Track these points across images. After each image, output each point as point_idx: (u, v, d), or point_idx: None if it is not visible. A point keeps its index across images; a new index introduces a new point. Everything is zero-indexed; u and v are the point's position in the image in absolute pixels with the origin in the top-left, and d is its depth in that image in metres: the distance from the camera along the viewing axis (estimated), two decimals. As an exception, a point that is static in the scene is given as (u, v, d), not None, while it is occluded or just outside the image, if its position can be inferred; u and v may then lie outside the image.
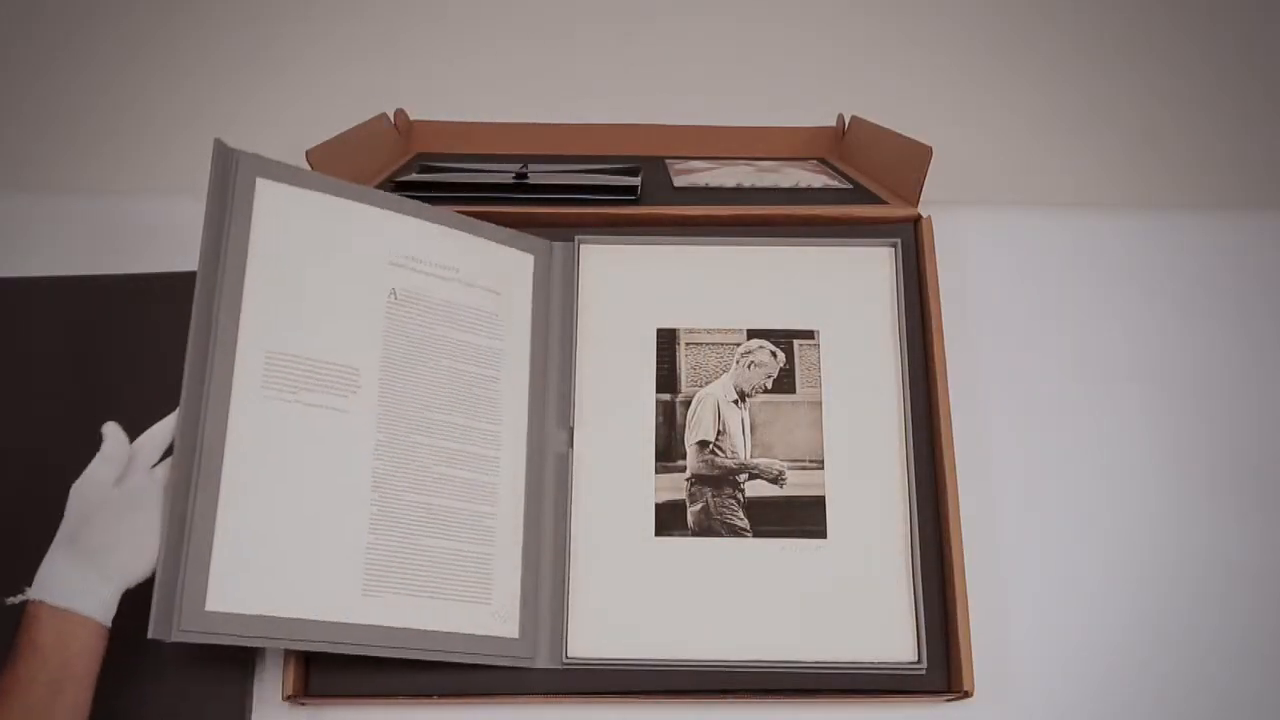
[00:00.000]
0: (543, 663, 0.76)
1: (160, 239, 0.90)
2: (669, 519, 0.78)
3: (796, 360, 0.82)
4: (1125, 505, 0.84)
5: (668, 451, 0.80)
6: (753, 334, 0.83)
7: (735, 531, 0.78)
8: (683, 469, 0.80)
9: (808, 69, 1.64)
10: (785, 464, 0.80)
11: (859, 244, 0.87)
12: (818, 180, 1.00)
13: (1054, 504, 0.84)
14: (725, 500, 0.79)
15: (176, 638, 0.64)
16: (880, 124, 1.01)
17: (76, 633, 0.58)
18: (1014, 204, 0.96)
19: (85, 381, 0.84)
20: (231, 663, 0.76)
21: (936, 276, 0.85)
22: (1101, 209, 0.96)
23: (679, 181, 1.00)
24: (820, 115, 1.20)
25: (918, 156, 0.85)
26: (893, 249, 0.87)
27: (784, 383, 0.82)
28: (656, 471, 0.80)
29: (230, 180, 0.73)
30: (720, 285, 0.84)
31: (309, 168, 0.84)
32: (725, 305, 0.84)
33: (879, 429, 0.81)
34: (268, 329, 0.72)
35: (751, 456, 0.80)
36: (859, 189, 0.96)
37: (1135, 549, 0.83)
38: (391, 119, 1.13)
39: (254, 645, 0.74)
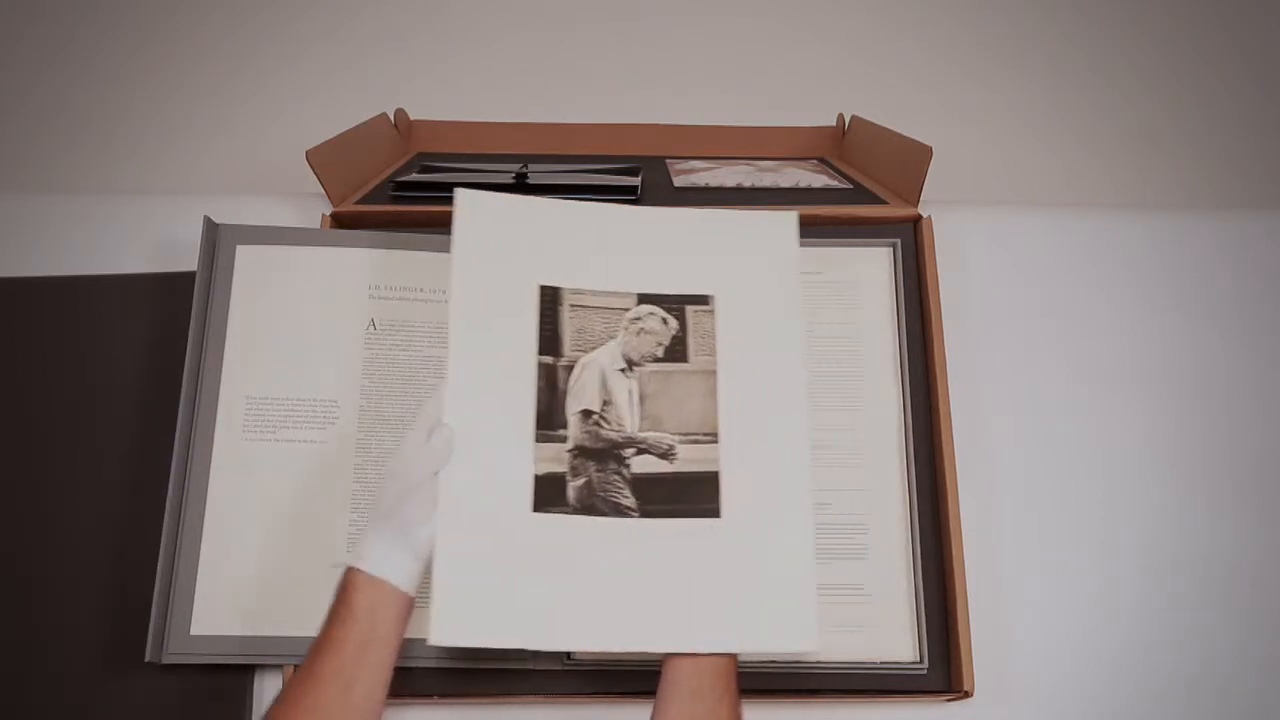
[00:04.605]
0: (544, 663, 0.76)
1: (159, 239, 0.90)
2: (549, 493, 0.70)
3: (689, 327, 0.75)
4: (1125, 505, 0.84)
5: (548, 419, 0.71)
6: (643, 299, 0.75)
7: (620, 510, 0.70)
8: (564, 439, 0.71)
9: (808, 69, 1.64)
10: (676, 438, 0.72)
11: (859, 244, 0.87)
12: (818, 180, 1.00)
13: (1054, 504, 0.84)
14: (610, 476, 0.71)
15: (166, 660, 0.74)
16: (880, 124, 1.01)
17: (386, 601, 0.63)
18: (1014, 204, 0.96)
19: (83, 381, 0.84)
20: (233, 665, 0.76)
21: (936, 276, 0.85)
22: (1101, 209, 0.96)
23: (679, 181, 1.00)
24: (820, 115, 1.20)
25: (918, 156, 0.85)
26: (892, 249, 0.87)
27: (676, 351, 0.74)
28: (537, 440, 0.71)
29: (214, 250, 0.83)
30: (608, 248, 0.76)
31: (309, 168, 0.84)
32: (613, 268, 0.76)
33: (780, 399, 0.73)
34: (247, 378, 0.80)
35: (640, 429, 0.73)
36: (859, 189, 0.96)
37: (1135, 549, 0.83)
38: (391, 119, 1.13)
39: (238, 664, 0.76)
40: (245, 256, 0.83)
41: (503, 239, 0.74)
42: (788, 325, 0.75)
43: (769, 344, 0.74)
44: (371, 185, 0.95)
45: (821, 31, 1.68)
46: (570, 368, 0.73)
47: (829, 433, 0.82)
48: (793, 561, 0.69)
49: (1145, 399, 0.87)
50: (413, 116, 1.19)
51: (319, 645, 0.61)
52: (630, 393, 0.73)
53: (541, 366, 0.72)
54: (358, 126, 0.97)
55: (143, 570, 0.76)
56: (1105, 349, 0.89)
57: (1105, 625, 0.81)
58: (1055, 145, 1.59)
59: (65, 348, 0.86)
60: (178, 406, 0.78)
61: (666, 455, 0.72)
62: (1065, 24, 1.68)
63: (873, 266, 0.87)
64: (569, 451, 0.71)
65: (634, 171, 0.95)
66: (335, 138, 0.89)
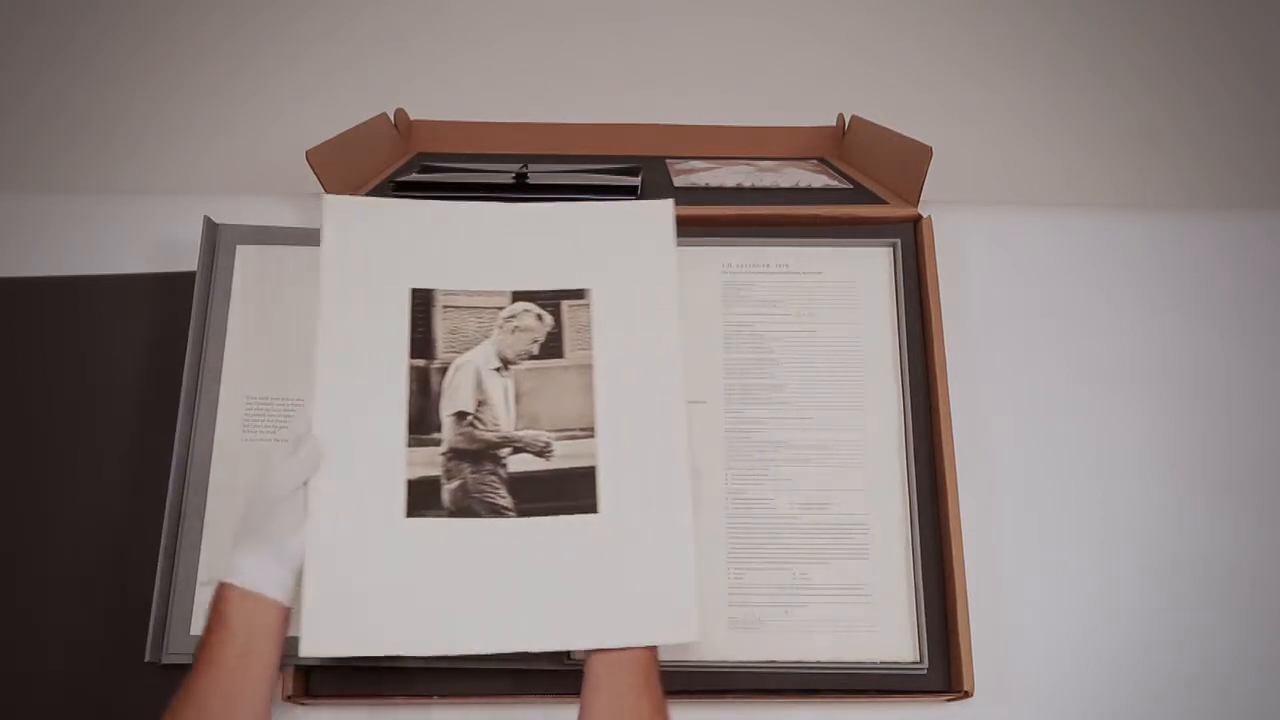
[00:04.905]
0: (543, 663, 0.76)
1: (159, 239, 0.90)
2: (422, 497, 0.69)
3: (565, 322, 0.74)
4: (1125, 505, 0.84)
5: (421, 422, 0.71)
6: (518, 296, 0.75)
7: (496, 511, 0.69)
8: (438, 442, 0.71)
9: (808, 69, 1.64)
10: (553, 435, 0.72)
11: (859, 244, 0.87)
12: (818, 180, 1.00)
13: (1054, 504, 0.84)
14: (485, 477, 0.71)
15: (166, 660, 0.74)
16: (880, 124, 1.01)
17: (261, 612, 0.63)
18: (1014, 204, 0.96)
19: (83, 381, 0.84)
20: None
21: (936, 276, 0.85)
22: (1101, 209, 0.96)
23: (679, 181, 1.00)
24: (820, 115, 1.20)
25: (918, 156, 0.85)
26: (892, 249, 0.87)
27: (552, 347, 0.74)
28: (409, 445, 0.70)
29: (214, 250, 0.83)
30: (482, 247, 0.76)
31: (309, 168, 0.84)
32: (487, 267, 0.75)
33: (657, 390, 0.72)
34: (247, 378, 0.80)
35: (516, 428, 0.72)
36: (859, 189, 0.96)
37: (1135, 548, 0.83)
38: (391, 119, 1.13)
39: None
40: (245, 256, 0.83)
41: (372, 244, 0.74)
42: (664, 315, 0.74)
43: (645, 334, 0.74)
44: (371, 185, 0.95)
45: (821, 31, 1.68)
46: (444, 370, 0.72)
47: (829, 432, 0.82)
48: (671, 553, 0.68)
49: (1145, 399, 0.87)
50: (413, 116, 1.19)
51: (198, 663, 0.61)
52: (506, 391, 0.73)
53: (413, 370, 0.72)
54: (358, 126, 0.97)
55: (143, 570, 0.76)
56: (1105, 349, 0.89)
57: (1105, 625, 0.81)
58: (1055, 145, 1.59)
59: (65, 348, 0.85)
60: (178, 406, 0.78)
61: (543, 453, 0.71)
62: (1065, 24, 1.68)
63: (873, 266, 0.87)
64: (443, 454, 0.70)
65: (634, 171, 0.95)
66: (335, 138, 0.89)
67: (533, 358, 0.74)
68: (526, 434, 0.72)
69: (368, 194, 0.92)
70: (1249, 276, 0.92)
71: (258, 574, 0.63)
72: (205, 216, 0.83)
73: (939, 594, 0.78)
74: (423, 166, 1.00)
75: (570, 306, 0.74)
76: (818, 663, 0.76)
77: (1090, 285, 0.91)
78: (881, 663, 0.76)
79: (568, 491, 0.70)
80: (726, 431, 0.82)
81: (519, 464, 0.71)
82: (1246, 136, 1.59)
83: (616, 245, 0.76)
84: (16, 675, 0.77)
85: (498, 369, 0.73)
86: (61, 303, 0.87)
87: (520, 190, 0.90)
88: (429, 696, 0.76)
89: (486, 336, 0.74)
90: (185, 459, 0.77)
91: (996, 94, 1.62)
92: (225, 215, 0.84)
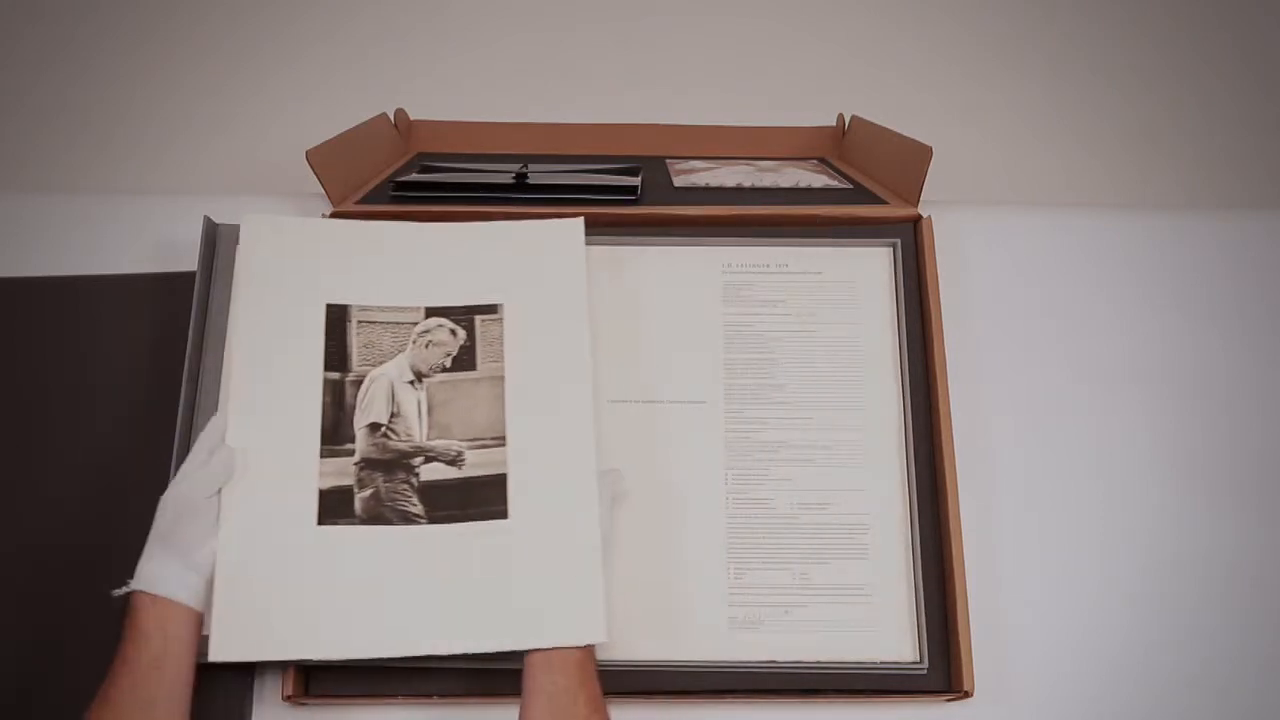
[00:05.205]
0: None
1: (159, 239, 0.90)
2: (334, 506, 0.72)
3: (478, 336, 0.77)
4: (1125, 505, 0.84)
5: (334, 433, 0.74)
6: (431, 312, 0.78)
7: (408, 518, 0.72)
8: (351, 453, 0.73)
9: (808, 69, 1.64)
10: (464, 444, 0.74)
11: (859, 244, 0.87)
12: (818, 180, 1.00)
13: (1054, 504, 0.84)
14: (398, 485, 0.73)
15: None
16: (880, 124, 1.01)
17: (173, 617, 0.65)
18: (1014, 204, 0.96)
19: (83, 381, 0.84)
20: (232, 664, 0.76)
21: (936, 277, 0.85)
22: (1101, 209, 0.96)
23: (679, 181, 1.00)
24: (820, 115, 1.20)
25: (918, 156, 0.85)
26: (892, 249, 0.87)
27: (464, 360, 0.77)
28: (322, 455, 0.73)
29: (214, 250, 0.83)
30: (397, 264, 0.79)
31: (309, 168, 0.84)
32: (402, 283, 0.78)
33: (565, 400, 0.75)
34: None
35: (428, 439, 0.75)
36: (859, 189, 0.96)
37: (1135, 548, 0.83)
38: (391, 119, 1.13)
39: (238, 663, 0.75)
40: None
41: (289, 261, 0.78)
42: (574, 328, 0.77)
43: (556, 347, 0.77)
44: (371, 185, 0.95)
45: (821, 31, 1.68)
46: (359, 383, 0.75)
47: (829, 433, 0.82)
48: (579, 557, 0.71)
49: (1145, 399, 0.87)
50: (413, 116, 1.19)
51: (113, 669, 0.63)
52: (419, 404, 0.75)
53: (327, 383, 0.75)
54: (358, 126, 0.97)
55: (143, 570, 0.75)
56: (1105, 349, 0.89)
57: (1105, 625, 0.81)
58: (1055, 145, 1.59)
59: (65, 348, 0.86)
60: (178, 406, 0.78)
61: (455, 461, 0.74)
62: (1065, 24, 1.68)
63: (873, 266, 0.87)
64: (356, 464, 0.73)
65: (634, 171, 0.95)
66: (335, 138, 0.89)
67: (446, 370, 0.76)
68: (439, 444, 0.74)
69: (368, 194, 0.92)
70: (1249, 276, 0.92)
71: (170, 581, 0.65)
72: (205, 216, 0.83)
73: (939, 594, 0.78)
74: (423, 166, 1.00)
75: (483, 321, 0.78)
76: (818, 663, 0.76)
77: (1090, 285, 0.91)
78: (881, 663, 0.76)
79: (479, 498, 0.73)
80: (726, 431, 0.82)
81: (431, 473, 0.73)
82: (1246, 136, 1.59)
83: (528, 262, 0.79)
84: (17, 676, 0.77)
85: (411, 382, 0.76)
86: (61, 303, 0.87)
87: (520, 190, 0.90)
88: (429, 696, 0.76)
89: (401, 351, 0.76)
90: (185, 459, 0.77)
91: (996, 94, 1.62)
92: (225, 215, 0.84)
